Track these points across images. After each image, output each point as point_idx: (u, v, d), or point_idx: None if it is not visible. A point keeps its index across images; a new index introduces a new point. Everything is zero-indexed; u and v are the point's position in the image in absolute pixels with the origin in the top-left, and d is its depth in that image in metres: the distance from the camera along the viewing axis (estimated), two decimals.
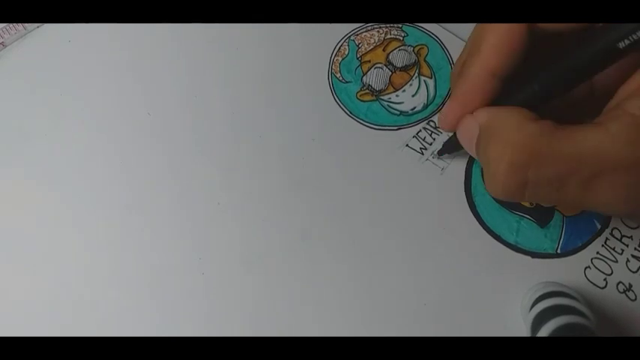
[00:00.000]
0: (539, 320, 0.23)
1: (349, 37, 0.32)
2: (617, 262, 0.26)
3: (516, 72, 0.24)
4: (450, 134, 0.28)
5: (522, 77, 0.24)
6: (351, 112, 0.30)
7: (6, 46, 0.32)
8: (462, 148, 0.25)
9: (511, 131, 0.21)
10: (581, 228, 0.27)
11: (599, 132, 0.20)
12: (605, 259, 0.26)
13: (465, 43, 0.32)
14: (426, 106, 0.30)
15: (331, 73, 0.31)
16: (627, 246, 0.26)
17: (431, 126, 0.30)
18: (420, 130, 0.30)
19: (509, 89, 0.24)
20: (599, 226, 0.27)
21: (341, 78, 0.31)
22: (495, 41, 0.23)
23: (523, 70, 0.24)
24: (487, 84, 0.24)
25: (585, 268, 0.26)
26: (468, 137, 0.24)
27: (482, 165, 0.23)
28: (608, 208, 0.22)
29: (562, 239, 0.27)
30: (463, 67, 0.25)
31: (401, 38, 0.32)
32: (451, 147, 0.28)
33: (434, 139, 0.29)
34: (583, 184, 0.21)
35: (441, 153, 0.29)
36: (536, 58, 0.24)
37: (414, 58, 0.31)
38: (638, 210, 0.22)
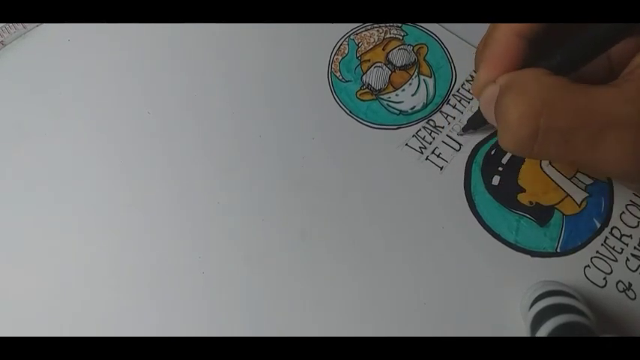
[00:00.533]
0: (539, 319, 0.23)
1: (349, 36, 0.32)
2: (616, 261, 0.26)
3: (541, 37, 0.24)
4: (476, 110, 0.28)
5: (545, 46, 0.24)
6: (350, 112, 0.30)
7: (5, 45, 0.32)
8: (486, 123, 0.25)
9: (527, 83, 0.22)
10: (580, 227, 0.27)
11: (612, 90, 0.21)
12: (605, 258, 0.26)
13: (464, 42, 0.32)
14: (425, 106, 0.30)
15: (331, 73, 0.31)
16: (627, 245, 0.26)
17: (430, 125, 0.30)
18: (420, 130, 0.30)
19: (532, 60, 0.24)
20: (598, 225, 0.27)
21: (341, 77, 0.31)
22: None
23: (547, 38, 0.24)
24: (513, 44, 0.24)
25: (585, 267, 0.26)
26: (488, 101, 0.24)
27: (497, 120, 0.23)
28: (612, 166, 0.22)
29: (562, 238, 0.27)
30: (487, 35, 0.25)
31: (400, 37, 0.32)
32: (475, 122, 0.28)
33: (433, 139, 0.29)
34: (592, 137, 0.21)
35: (465, 129, 0.29)
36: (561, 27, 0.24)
37: (413, 57, 0.31)
38: None
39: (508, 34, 0.24)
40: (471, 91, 0.25)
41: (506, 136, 0.22)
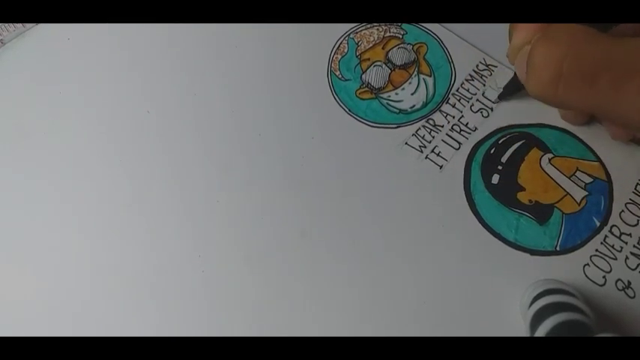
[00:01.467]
0: (538, 317, 0.23)
1: (348, 35, 0.32)
2: (616, 259, 0.26)
3: None
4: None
5: None
6: (350, 110, 0.30)
7: (5, 44, 0.32)
8: (522, 88, 0.26)
9: (557, 31, 0.23)
10: (580, 225, 0.27)
11: (637, 40, 0.21)
12: (604, 257, 0.26)
13: (464, 42, 0.32)
14: (425, 104, 0.30)
15: (330, 71, 0.31)
16: (626, 243, 0.26)
17: (430, 124, 0.30)
18: (420, 128, 0.30)
19: None
20: (598, 224, 0.27)
21: (340, 76, 0.31)
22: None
23: None
24: None
25: (584, 266, 0.26)
26: (524, 60, 0.24)
27: (527, 69, 0.24)
28: (634, 113, 0.22)
29: (561, 236, 0.27)
30: None
31: (400, 36, 0.32)
32: (511, 88, 0.29)
33: (433, 137, 0.29)
34: (615, 82, 0.21)
35: (501, 96, 0.30)
36: None
37: (413, 56, 0.31)
38: None
39: None
40: (507, 56, 0.25)
41: (532, 80, 0.23)
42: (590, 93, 0.22)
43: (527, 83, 0.24)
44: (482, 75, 0.31)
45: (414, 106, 0.30)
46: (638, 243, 0.26)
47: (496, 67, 0.31)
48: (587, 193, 0.28)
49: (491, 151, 0.29)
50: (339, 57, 0.32)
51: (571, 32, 0.22)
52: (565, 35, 0.22)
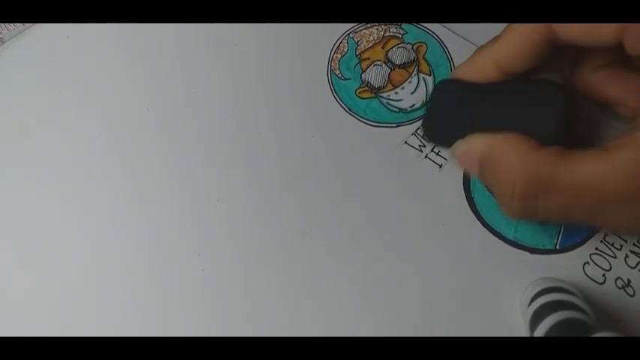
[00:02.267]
0: (538, 316, 0.23)
1: (348, 34, 0.32)
2: (615, 257, 0.26)
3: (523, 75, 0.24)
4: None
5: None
6: (350, 110, 0.30)
7: (4, 42, 0.32)
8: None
9: (514, 163, 0.22)
10: (579, 224, 0.27)
11: (603, 163, 0.21)
12: (604, 255, 0.26)
13: (464, 41, 0.32)
14: (425, 104, 0.30)
15: (330, 71, 0.31)
16: (626, 242, 0.27)
17: None
18: (419, 128, 0.30)
19: None
20: None
21: (340, 75, 0.31)
22: (511, 36, 0.24)
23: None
24: (488, 70, 0.24)
25: (584, 264, 0.26)
26: (468, 162, 0.25)
27: (492, 191, 0.25)
28: (612, 230, 0.25)
29: (561, 235, 0.27)
30: (473, 53, 0.25)
31: (400, 36, 0.32)
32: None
33: None
34: (588, 212, 0.22)
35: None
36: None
37: (412, 55, 0.31)
38: None
39: (487, 60, 0.24)
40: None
41: (508, 211, 0.24)
42: (570, 219, 0.23)
43: (506, 212, 0.24)
44: None
45: (413, 105, 0.30)
46: (637, 241, 0.27)
47: None
48: None
49: None
50: (339, 56, 0.32)
51: (525, 161, 0.22)
52: (521, 167, 0.22)
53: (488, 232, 0.27)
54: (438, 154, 0.29)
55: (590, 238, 0.27)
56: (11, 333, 0.25)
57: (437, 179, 0.28)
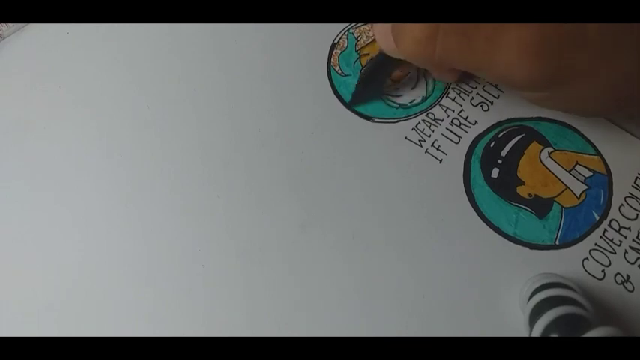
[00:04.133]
0: (537, 311, 0.23)
1: (348, 30, 0.32)
2: (615, 253, 0.26)
3: None
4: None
5: None
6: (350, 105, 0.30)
7: (4, 39, 0.32)
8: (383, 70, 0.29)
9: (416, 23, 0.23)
10: (579, 219, 0.27)
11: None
12: (603, 251, 0.26)
13: None
14: (424, 99, 0.30)
15: (330, 67, 0.31)
16: (625, 237, 0.27)
17: (430, 118, 0.30)
18: (419, 123, 0.30)
19: None
20: (597, 218, 0.27)
21: (340, 71, 0.31)
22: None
23: None
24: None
25: (583, 260, 0.26)
26: (383, 32, 0.25)
27: (394, 36, 0.24)
28: (505, 69, 0.22)
29: (560, 231, 0.27)
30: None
31: None
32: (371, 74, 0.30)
33: (433, 132, 0.29)
34: (489, 37, 0.21)
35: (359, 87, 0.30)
36: None
37: None
38: (547, 69, 0.22)
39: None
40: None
41: (406, 40, 0.23)
42: (471, 50, 0.22)
43: (401, 44, 0.24)
44: None
45: (413, 100, 0.30)
46: (637, 237, 0.27)
47: None
48: (586, 187, 0.28)
49: (491, 145, 0.29)
50: (339, 52, 0.32)
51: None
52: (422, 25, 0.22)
53: (488, 228, 0.27)
54: (438, 149, 0.29)
55: (590, 233, 0.27)
56: (11, 333, 0.25)
57: (437, 174, 0.28)
